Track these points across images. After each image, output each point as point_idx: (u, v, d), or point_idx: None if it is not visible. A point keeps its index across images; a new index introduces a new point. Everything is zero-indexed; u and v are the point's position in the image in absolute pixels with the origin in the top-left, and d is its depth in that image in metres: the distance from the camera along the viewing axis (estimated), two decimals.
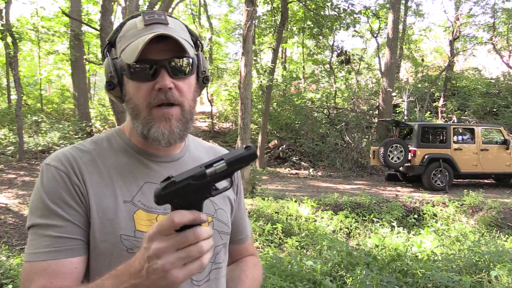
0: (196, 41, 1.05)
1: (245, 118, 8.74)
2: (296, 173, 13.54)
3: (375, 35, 19.67)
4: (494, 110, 18.26)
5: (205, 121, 20.23)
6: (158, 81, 0.93)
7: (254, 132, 15.29)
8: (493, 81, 21.22)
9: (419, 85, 20.11)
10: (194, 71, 1.00)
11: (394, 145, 10.81)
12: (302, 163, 14.66)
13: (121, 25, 1.02)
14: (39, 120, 14.89)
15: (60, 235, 0.89)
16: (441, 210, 8.08)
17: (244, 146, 0.78)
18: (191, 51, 0.98)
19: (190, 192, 0.73)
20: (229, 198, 1.13)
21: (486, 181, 12.05)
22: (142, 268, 0.73)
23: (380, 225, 7.14)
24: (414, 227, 7.27)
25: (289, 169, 14.15)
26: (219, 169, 0.74)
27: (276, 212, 7.57)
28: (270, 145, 15.75)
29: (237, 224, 1.19)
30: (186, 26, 1.04)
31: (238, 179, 1.20)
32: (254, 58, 15.60)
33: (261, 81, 15.10)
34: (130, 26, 0.98)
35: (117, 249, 0.91)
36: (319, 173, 13.62)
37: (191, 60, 0.98)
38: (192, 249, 0.71)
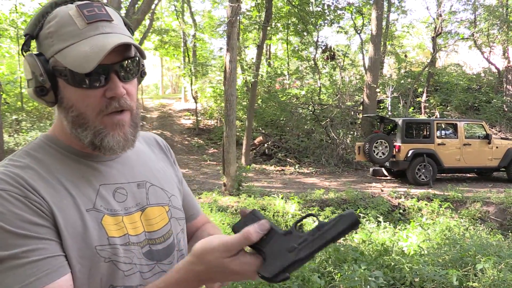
0: (129, 28, 0.94)
1: (230, 114, 8.68)
2: (282, 170, 13.54)
3: (358, 32, 19.77)
4: (476, 105, 18.53)
5: (189, 119, 20.10)
6: (110, 88, 0.85)
7: (239, 129, 15.24)
8: (474, 76, 21.54)
9: (402, 81, 20.30)
10: (139, 69, 0.92)
11: (379, 140, 10.87)
12: (288, 159, 14.67)
13: (44, 15, 0.87)
14: (20, 118, 14.60)
15: (43, 256, 0.78)
16: (425, 204, 8.16)
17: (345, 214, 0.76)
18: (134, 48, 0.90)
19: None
20: (175, 181, 1.11)
21: (468, 175, 12.23)
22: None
23: (366, 220, 7.17)
24: (400, 222, 7.33)
25: (275, 165, 14.15)
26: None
27: (262, 209, 7.56)
28: (255, 141, 15.72)
29: (187, 201, 1.16)
30: (118, 14, 0.93)
31: (171, 152, 1.16)
32: (239, 54, 15.52)
33: (245, 78, 15.06)
34: (64, 20, 0.84)
35: (94, 262, 0.84)
36: (305, 170, 13.65)
37: (137, 60, 0.90)
38: None
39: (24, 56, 0.88)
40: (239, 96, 16.67)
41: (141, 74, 0.97)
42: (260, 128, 16.84)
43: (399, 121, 11.09)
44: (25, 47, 0.88)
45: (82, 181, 0.89)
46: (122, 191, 0.94)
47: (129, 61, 0.88)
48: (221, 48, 22.22)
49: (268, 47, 22.24)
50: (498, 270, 3.98)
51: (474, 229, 6.71)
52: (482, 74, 22.00)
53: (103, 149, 0.88)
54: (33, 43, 0.90)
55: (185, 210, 1.11)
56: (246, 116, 14.47)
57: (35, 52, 0.88)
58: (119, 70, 0.86)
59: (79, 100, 0.86)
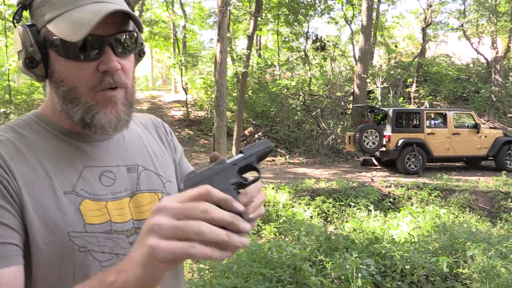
0: (128, 4, 0.89)
1: (221, 105, 8.64)
2: (273, 160, 13.55)
3: (349, 22, 19.75)
4: (464, 95, 18.67)
5: (180, 110, 19.97)
6: (103, 61, 0.79)
7: (230, 120, 15.19)
8: (463, 67, 21.68)
9: (392, 72, 20.37)
10: (137, 46, 0.87)
11: (369, 130, 10.91)
12: (279, 150, 14.68)
13: None
14: (8, 111, 14.39)
15: None
16: (415, 193, 8.22)
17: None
18: (132, 22, 0.85)
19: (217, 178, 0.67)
20: (172, 164, 1.04)
21: (457, 164, 12.35)
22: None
23: (357, 209, 7.21)
24: (390, 210, 7.37)
25: None
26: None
27: None
28: (246, 132, 15.70)
29: None
30: None
31: (171, 136, 1.08)
32: (229, 45, 15.42)
33: (236, 69, 14.99)
34: None
35: (67, 250, 0.77)
36: (296, 160, 13.67)
37: (136, 35, 0.85)
38: (189, 224, 0.56)
39: (15, 26, 0.83)
40: (230, 87, 16.59)
41: (140, 53, 0.93)
42: (251, 119, 16.81)
43: (390, 111, 11.13)
44: (17, 17, 0.83)
45: (65, 162, 0.83)
46: (110, 175, 0.87)
47: (126, 35, 0.82)
48: (211, 39, 22.07)
49: (258, 38, 22.14)
50: (488, 257, 4.02)
51: (463, 217, 6.77)
52: (471, 65, 22.14)
53: (94, 127, 0.82)
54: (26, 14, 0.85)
55: None
56: (236, 107, 14.42)
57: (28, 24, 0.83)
58: (114, 43, 0.80)
59: (71, 74, 0.80)
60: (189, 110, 19.02)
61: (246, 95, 15.93)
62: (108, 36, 0.79)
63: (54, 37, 0.78)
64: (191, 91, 19.96)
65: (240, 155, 0.71)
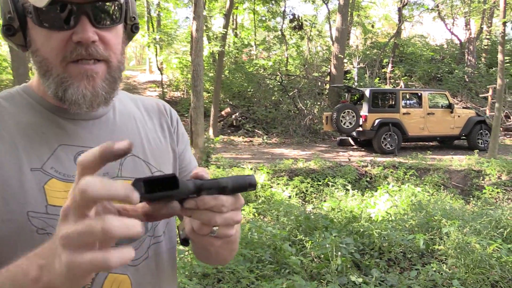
0: None
1: (197, 85, 8.49)
2: (250, 141, 13.51)
3: (325, 1, 19.63)
4: (438, 76, 18.95)
5: (155, 90, 19.62)
6: (76, 31, 0.72)
7: (206, 101, 15.01)
8: (437, 48, 21.96)
9: (368, 52, 20.46)
10: (123, 18, 0.79)
11: (346, 110, 10.96)
12: (256, 130, 14.63)
13: None
14: None
15: None
16: (391, 172, 8.34)
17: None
18: None
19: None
20: (169, 156, 0.93)
21: (431, 143, 12.59)
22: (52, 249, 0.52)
23: (335, 188, 7.27)
24: (367, 189, 7.47)
25: (243, 137, 14.09)
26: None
27: None
28: (223, 113, 15.57)
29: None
30: None
31: (177, 125, 0.98)
32: (205, 24, 15.12)
33: (212, 48, 14.75)
34: None
35: (24, 231, 0.71)
36: (273, 140, 13.67)
37: (120, 4, 0.77)
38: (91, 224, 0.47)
39: None
40: (206, 67, 16.34)
41: (132, 29, 0.85)
42: (228, 100, 16.66)
43: (366, 91, 11.19)
44: None
45: (40, 138, 0.78)
46: None
47: (107, 3, 0.75)
48: (187, 17, 21.61)
49: (234, 17, 21.81)
50: (463, 234, 4.12)
51: (437, 195, 6.92)
52: (445, 45, 22.44)
53: (67, 102, 0.76)
54: None
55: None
56: (213, 88, 14.25)
57: None
58: (92, 12, 0.73)
59: (43, 43, 0.75)
60: (165, 90, 18.69)
61: (223, 75, 15.75)
62: (85, 4, 0.72)
63: (27, 4, 0.74)
64: (166, 71, 19.60)
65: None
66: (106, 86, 0.78)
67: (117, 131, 0.86)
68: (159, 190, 0.54)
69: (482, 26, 20.29)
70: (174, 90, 19.17)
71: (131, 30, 0.86)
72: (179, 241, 0.80)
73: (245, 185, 0.62)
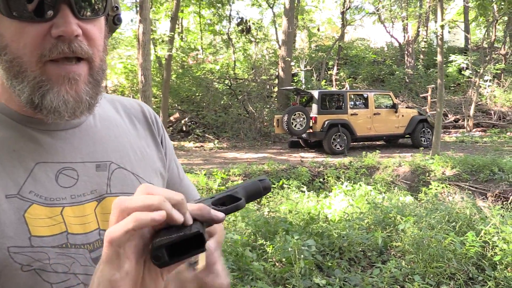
0: None
1: (146, 90, 8.23)
2: (201, 146, 13.32)
3: (271, 6, 19.84)
4: (381, 77, 19.71)
5: None
6: (56, 24, 0.60)
7: (154, 106, 14.64)
8: (379, 50, 22.85)
9: (313, 55, 20.89)
10: (107, 8, 0.69)
11: (296, 112, 11.08)
12: (207, 135, 14.47)
13: None
14: None
15: None
16: (343, 172, 8.50)
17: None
18: None
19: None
20: (157, 165, 0.83)
21: (378, 142, 13.01)
22: None
23: (291, 191, 7.29)
24: (321, 190, 7.55)
25: (194, 142, 13.88)
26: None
27: None
28: (171, 118, 15.26)
29: (180, 189, 0.87)
30: None
31: (163, 130, 0.89)
32: (151, 27, 14.78)
33: (157, 53, 14.43)
34: None
35: (7, 269, 0.60)
36: (224, 145, 13.56)
37: None
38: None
39: None
40: (152, 72, 15.94)
41: (114, 20, 0.74)
42: (176, 105, 16.36)
43: (315, 93, 11.37)
44: None
45: (12, 157, 0.65)
46: (71, 173, 0.69)
47: None
48: (132, 19, 21.01)
49: (180, 21, 21.50)
50: (419, 229, 4.22)
51: (389, 192, 7.12)
52: (386, 48, 23.39)
53: (45, 110, 0.63)
54: None
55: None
56: (160, 93, 13.92)
57: None
58: (74, 1, 0.61)
59: (14, 38, 0.61)
60: None
61: (170, 80, 15.44)
62: None
63: None
64: (110, 76, 18.94)
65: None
66: (89, 90, 0.66)
67: (99, 141, 0.75)
68: (182, 250, 0.47)
69: (419, 30, 21.34)
70: (120, 95, 18.57)
71: (113, 22, 0.75)
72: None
73: (260, 191, 0.60)
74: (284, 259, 3.92)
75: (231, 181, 7.79)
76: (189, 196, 0.88)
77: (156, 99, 15.77)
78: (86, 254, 0.66)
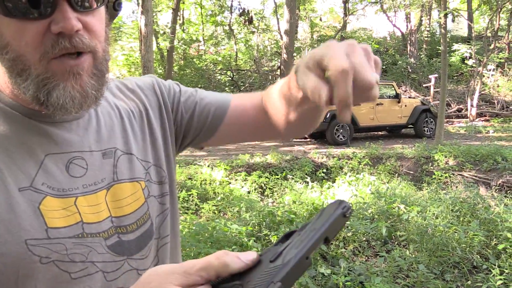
0: None
1: None
2: None
3: None
4: (383, 67, 19.61)
5: None
6: (55, 20, 0.59)
7: None
8: (381, 40, 22.72)
9: (315, 45, 20.79)
10: None
11: None
12: None
13: None
14: None
15: None
16: (346, 162, 8.51)
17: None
18: None
19: None
20: (160, 138, 0.82)
21: (380, 133, 13.00)
22: None
23: (295, 181, 7.31)
24: (324, 181, 7.56)
25: None
26: None
27: (189, 178, 7.37)
28: None
29: (202, 112, 0.86)
30: None
31: (169, 88, 0.87)
32: (153, 19, 14.75)
33: (159, 44, 14.41)
34: None
35: (24, 262, 0.60)
36: None
37: None
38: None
39: None
40: (154, 64, 15.95)
41: (115, 6, 0.72)
42: None
43: None
44: None
45: (21, 150, 0.64)
46: (81, 162, 0.69)
47: None
48: (133, 11, 20.94)
49: (181, 12, 21.42)
50: (423, 218, 4.24)
51: (392, 182, 7.13)
52: (388, 38, 23.25)
53: (52, 107, 0.63)
54: None
55: (211, 115, 0.85)
56: None
57: None
58: None
59: (15, 37, 0.60)
60: None
61: (172, 71, 15.43)
62: None
63: None
64: (112, 69, 18.95)
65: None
66: (94, 83, 0.65)
67: (103, 128, 0.75)
68: None
69: (421, 19, 21.18)
70: None
71: (114, 8, 0.73)
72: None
73: (344, 222, 0.44)
74: None
75: (235, 173, 7.80)
76: (214, 105, 0.87)
77: None
78: (102, 242, 0.67)
